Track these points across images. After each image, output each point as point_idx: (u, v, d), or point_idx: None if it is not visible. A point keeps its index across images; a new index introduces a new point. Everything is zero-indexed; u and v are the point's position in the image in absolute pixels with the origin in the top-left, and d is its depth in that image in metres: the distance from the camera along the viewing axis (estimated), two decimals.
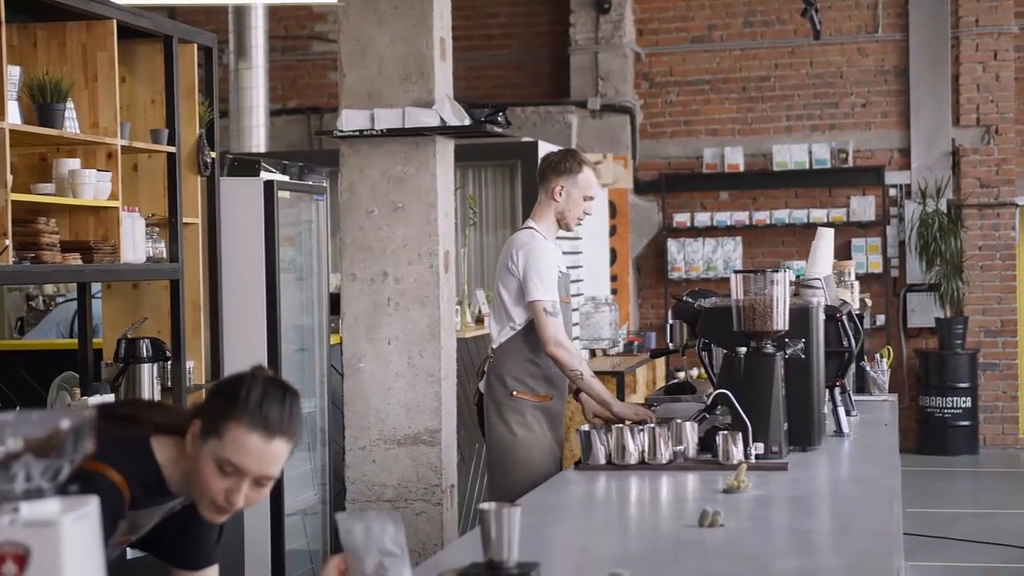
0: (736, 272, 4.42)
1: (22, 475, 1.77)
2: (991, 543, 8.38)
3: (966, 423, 11.99)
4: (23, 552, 1.72)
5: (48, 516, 1.75)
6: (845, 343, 4.99)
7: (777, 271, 4.38)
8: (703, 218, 12.64)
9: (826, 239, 5.55)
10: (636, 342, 11.09)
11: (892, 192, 12.47)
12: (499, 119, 5.66)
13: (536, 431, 5.07)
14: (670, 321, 5.20)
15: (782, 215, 12.49)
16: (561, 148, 5.40)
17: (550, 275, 5.03)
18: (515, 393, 5.06)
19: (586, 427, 4.35)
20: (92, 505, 1.81)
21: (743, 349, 4.35)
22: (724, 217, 12.61)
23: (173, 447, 2.62)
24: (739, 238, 12.58)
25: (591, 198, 5.21)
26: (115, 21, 5.20)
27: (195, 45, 5.86)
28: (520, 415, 5.06)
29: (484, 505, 2.68)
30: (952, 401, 11.95)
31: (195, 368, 5.81)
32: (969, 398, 11.98)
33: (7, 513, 1.75)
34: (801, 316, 4.52)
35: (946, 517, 9.35)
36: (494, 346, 5.15)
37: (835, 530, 3.35)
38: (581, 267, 10.47)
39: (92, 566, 1.79)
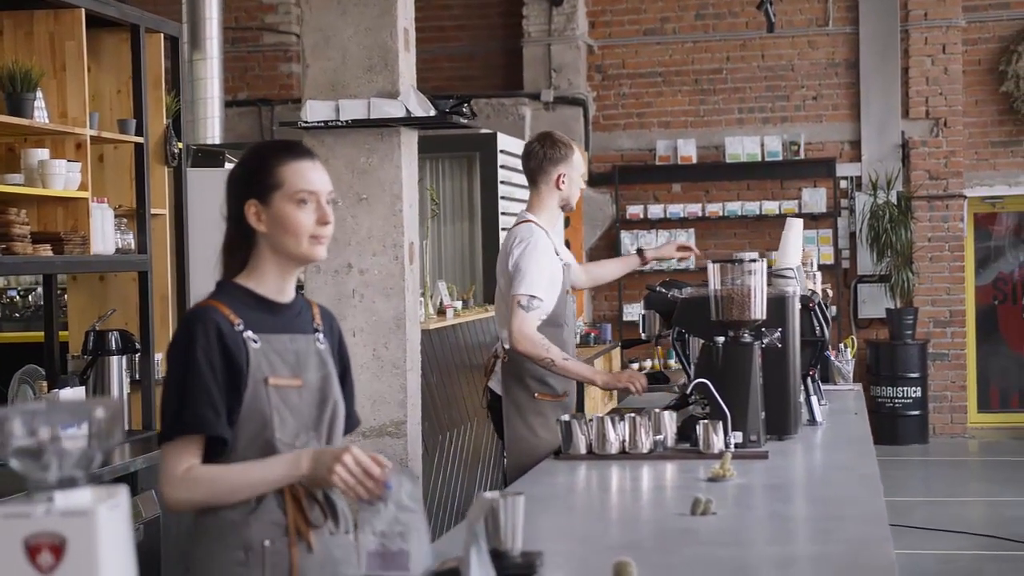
0: (714, 262, 4.42)
1: (55, 464, 1.75)
2: (944, 530, 8.48)
3: (916, 412, 12.12)
4: (59, 542, 1.70)
5: (83, 505, 1.73)
6: (818, 332, 5.03)
7: (755, 260, 4.39)
8: (656, 210, 12.68)
9: (795, 229, 5.58)
10: (592, 334, 11.14)
11: (843, 184, 12.58)
12: (464, 110, 5.64)
13: (557, 432, 5.01)
14: (642, 311, 5.19)
15: (735, 207, 12.55)
16: (539, 135, 5.29)
17: (540, 272, 4.94)
18: (537, 395, 5.01)
19: (566, 417, 4.35)
20: (123, 495, 1.79)
21: (721, 339, 4.37)
22: (677, 209, 12.66)
23: (247, 273, 2.82)
24: (692, 230, 12.62)
25: (582, 174, 5.24)
26: (83, 10, 5.14)
27: (161, 35, 5.80)
28: (543, 417, 4.99)
29: (489, 494, 2.67)
30: (902, 391, 12.08)
31: (163, 361, 5.74)
32: (919, 388, 12.11)
33: (42, 503, 1.73)
34: (778, 305, 4.54)
35: (898, 505, 9.45)
36: (506, 346, 5.03)
37: (826, 517, 3.38)
38: None
39: (125, 554, 1.77)
